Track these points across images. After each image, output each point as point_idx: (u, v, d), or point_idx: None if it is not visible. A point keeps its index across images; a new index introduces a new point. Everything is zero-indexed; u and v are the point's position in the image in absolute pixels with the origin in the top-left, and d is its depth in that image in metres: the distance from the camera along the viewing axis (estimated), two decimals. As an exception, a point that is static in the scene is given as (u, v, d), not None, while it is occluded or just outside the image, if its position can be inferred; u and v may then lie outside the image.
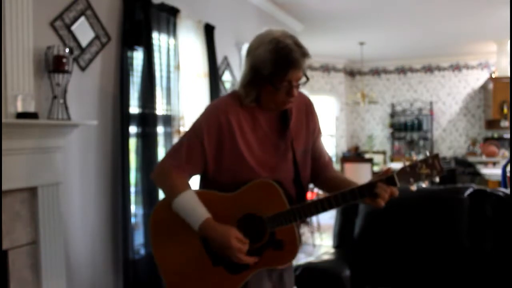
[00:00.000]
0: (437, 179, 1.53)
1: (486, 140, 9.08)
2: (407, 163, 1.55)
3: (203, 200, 1.63)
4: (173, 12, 3.61)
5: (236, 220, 1.63)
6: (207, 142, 1.64)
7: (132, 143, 3.19)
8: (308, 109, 1.79)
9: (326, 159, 1.84)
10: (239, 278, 1.64)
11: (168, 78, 3.53)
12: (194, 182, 1.73)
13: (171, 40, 3.61)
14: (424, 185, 1.56)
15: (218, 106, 1.70)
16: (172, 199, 1.63)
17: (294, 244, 1.62)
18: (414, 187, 1.55)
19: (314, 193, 5.86)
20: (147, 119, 3.28)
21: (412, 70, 10.00)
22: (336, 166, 6.91)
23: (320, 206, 1.59)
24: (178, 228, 1.66)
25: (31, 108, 2.37)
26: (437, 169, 1.52)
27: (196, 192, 1.67)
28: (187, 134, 1.71)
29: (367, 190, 1.55)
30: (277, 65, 1.55)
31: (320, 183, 1.84)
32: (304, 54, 1.56)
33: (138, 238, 3.25)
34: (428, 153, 1.55)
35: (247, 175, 1.64)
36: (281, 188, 1.62)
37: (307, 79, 1.62)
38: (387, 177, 1.54)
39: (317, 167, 1.81)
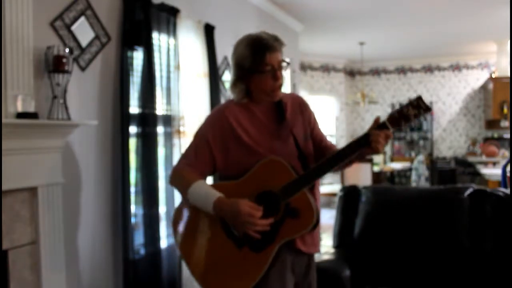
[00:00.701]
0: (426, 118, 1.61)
1: (486, 140, 9.07)
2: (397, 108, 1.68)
3: (218, 190, 1.73)
4: (173, 12, 3.61)
5: (253, 200, 1.71)
6: (212, 141, 1.78)
7: (132, 143, 3.18)
8: (301, 104, 1.93)
9: (328, 142, 1.96)
10: (265, 254, 1.70)
11: (168, 78, 3.53)
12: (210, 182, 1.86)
13: (171, 40, 3.61)
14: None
15: (215, 112, 1.89)
16: (186, 192, 1.74)
17: (309, 209, 1.70)
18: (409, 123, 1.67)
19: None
20: (147, 119, 3.27)
21: (412, 70, 10.00)
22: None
23: (324, 166, 1.70)
24: (199, 222, 1.78)
25: (31, 108, 2.37)
26: (423, 107, 1.64)
27: (210, 184, 1.78)
28: (194, 139, 1.88)
29: (363, 140, 1.68)
30: (255, 53, 1.71)
31: None
32: (276, 39, 1.74)
33: (138, 238, 3.25)
34: (411, 98, 1.67)
35: (252, 159, 1.73)
36: (287, 163, 1.71)
37: (287, 63, 1.77)
38: (378, 125, 1.66)
39: (320, 150, 1.92)
